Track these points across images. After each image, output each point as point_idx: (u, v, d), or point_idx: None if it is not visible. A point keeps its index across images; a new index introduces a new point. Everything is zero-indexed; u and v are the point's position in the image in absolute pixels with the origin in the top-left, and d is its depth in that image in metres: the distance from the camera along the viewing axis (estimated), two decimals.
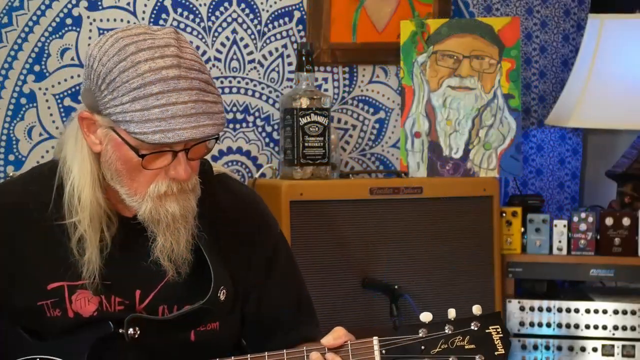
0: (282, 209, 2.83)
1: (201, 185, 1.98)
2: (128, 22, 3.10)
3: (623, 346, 3.12)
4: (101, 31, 3.08)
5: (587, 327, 3.13)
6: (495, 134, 3.22)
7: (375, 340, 1.88)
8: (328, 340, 1.91)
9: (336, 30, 3.30)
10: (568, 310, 3.14)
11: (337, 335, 1.92)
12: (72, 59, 3.06)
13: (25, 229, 1.99)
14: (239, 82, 3.25)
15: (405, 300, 2.84)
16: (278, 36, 3.28)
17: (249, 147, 3.27)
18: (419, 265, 3.02)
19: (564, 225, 3.21)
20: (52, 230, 1.97)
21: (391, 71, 3.40)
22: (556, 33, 3.63)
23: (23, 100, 3.03)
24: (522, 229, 3.23)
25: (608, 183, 3.53)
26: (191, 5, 3.17)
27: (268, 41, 3.27)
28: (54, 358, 1.98)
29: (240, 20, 3.23)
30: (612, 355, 3.12)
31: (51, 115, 3.05)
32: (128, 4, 3.11)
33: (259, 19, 3.25)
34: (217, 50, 3.21)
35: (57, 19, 3.04)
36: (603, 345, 3.12)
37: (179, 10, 3.16)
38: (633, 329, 3.11)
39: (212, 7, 3.20)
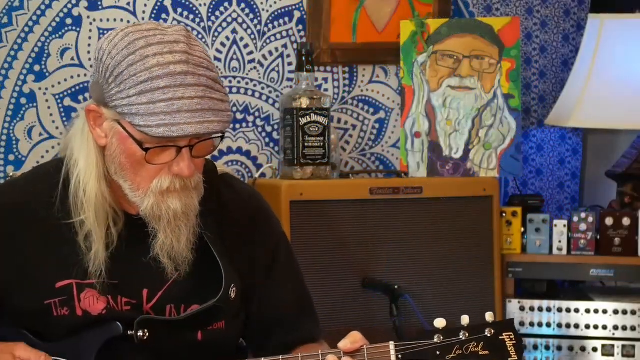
0: (282, 209, 2.83)
1: (205, 184, 1.98)
2: (128, 22, 3.10)
3: (623, 346, 3.12)
4: (101, 31, 3.08)
5: (587, 327, 3.13)
6: (495, 134, 3.23)
7: (391, 345, 1.89)
8: (345, 344, 1.91)
9: (336, 30, 3.30)
10: (568, 310, 3.14)
11: (353, 339, 1.91)
12: (72, 59, 3.06)
13: (31, 229, 1.99)
14: (239, 82, 3.25)
15: (405, 300, 2.84)
16: (278, 36, 3.28)
17: (249, 147, 3.27)
18: (419, 265, 3.02)
19: (564, 225, 3.21)
20: (59, 228, 1.97)
21: (391, 71, 3.40)
22: (556, 33, 3.63)
23: (23, 100, 3.03)
24: (522, 229, 3.23)
25: (608, 183, 3.53)
26: (191, 5, 3.17)
27: (268, 41, 3.27)
28: (61, 359, 1.98)
29: (240, 20, 3.23)
30: (612, 355, 3.12)
31: (51, 115, 3.05)
32: (128, 4, 3.11)
33: (259, 19, 3.25)
34: (217, 50, 3.21)
35: (57, 19, 3.04)
36: (603, 345, 3.12)
37: (179, 10, 3.16)
38: (633, 329, 3.11)
39: (212, 7, 3.20)
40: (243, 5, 3.23)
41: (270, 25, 3.27)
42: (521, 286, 3.28)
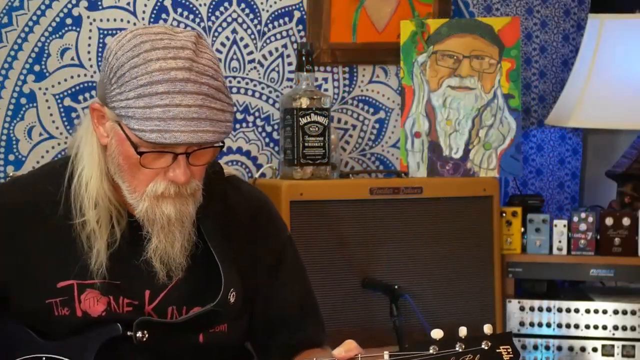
0: (282, 209, 2.83)
1: (212, 186, 1.98)
2: (128, 22, 3.10)
3: (623, 346, 3.12)
4: (101, 31, 3.08)
5: (587, 327, 3.13)
6: (495, 134, 3.23)
7: (386, 355, 1.88)
8: (339, 351, 1.90)
9: (336, 30, 3.30)
10: (568, 310, 3.15)
11: (347, 347, 1.90)
12: (72, 59, 3.06)
13: (36, 227, 1.99)
14: (239, 82, 3.25)
15: (405, 300, 2.84)
16: (278, 36, 3.28)
17: (249, 147, 3.27)
18: (419, 265, 3.02)
19: (564, 225, 3.21)
20: (62, 228, 1.97)
21: (391, 71, 3.40)
22: (556, 33, 3.63)
23: (23, 100, 3.03)
24: (522, 229, 3.23)
25: (608, 183, 3.53)
26: (191, 5, 3.17)
27: (268, 41, 3.27)
28: (61, 357, 1.98)
29: (240, 20, 3.23)
30: (612, 355, 3.12)
31: (51, 115, 3.05)
32: (128, 4, 3.11)
33: (259, 19, 3.25)
34: (217, 50, 3.21)
35: (57, 19, 3.04)
36: (603, 345, 3.12)
37: (179, 10, 3.16)
38: (633, 329, 3.11)
39: (212, 7, 3.20)
40: (243, 5, 3.23)
41: (270, 25, 3.27)
42: (521, 286, 3.28)
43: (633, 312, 3.11)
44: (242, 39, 3.24)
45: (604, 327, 3.12)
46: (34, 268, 1.98)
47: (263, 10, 3.25)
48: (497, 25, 3.24)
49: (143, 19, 3.12)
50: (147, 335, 1.93)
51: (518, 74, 3.24)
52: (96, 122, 1.93)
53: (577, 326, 3.14)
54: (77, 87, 3.07)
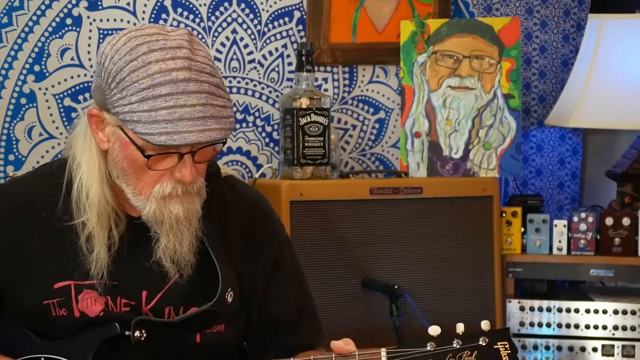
0: (282, 209, 2.83)
1: (209, 187, 1.98)
2: (128, 22, 3.10)
3: (623, 346, 3.12)
4: (101, 31, 3.08)
5: (587, 327, 3.13)
6: (495, 134, 3.23)
7: (383, 351, 1.88)
8: (338, 343, 1.91)
9: (336, 30, 3.30)
10: (568, 310, 3.14)
11: (346, 341, 1.91)
12: (72, 59, 3.06)
13: (33, 229, 1.99)
14: (239, 82, 3.25)
15: (405, 300, 2.84)
16: (278, 36, 3.28)
17: (249, 147, 3.27)
18: (419, 265, 3.02)
19: (564, 225, 3.21)
20: (61, 229, 1.97)
21: (391, 71, 3.40)
22: (556, 33, 3.63)
23: (23, 100, 3.03)
24: (522, 229, 3.23)
25: (608, 183, 3.53)
26: (191, 5, 3.17)
27: (268, 41, 3.27)
28: (59, 358, 1.98)
29: (240, 20, 3.23)
30: (612, 355, 3.12)
31: (51, 115, 3.05)
32: (128, 4, 3.11)
33: (259, 19, 3.25)
34: (217, 50, 3.21)
35: (57, 19, 3.04)
36: (603, 345, 3.12)
37: (179, 10, 3.16)
38: (633, 329, 3.11)
39: (212, 7, 3.20)
40: (243, 5, 3.23)
41: (270, 25, 3.27)
42: (521, 286, 3.28)
43: (633, 312, 3.11)
44: (242, 39, 3.24)
45: (604, 327, 3.12)
46: (31, 269, 1.98)
47: (263, 10, 3.25)
48: (497, 25, 3.24)
49: (143, 19, 3.12)
50: (144, 335, 1.93)
51: (518, 74, 3.24)
52: (95, 128, 1.93)
53: (577, 326, 3.14)
54: (77, 87, 3.07)
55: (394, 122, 3.41)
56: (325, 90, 3.33)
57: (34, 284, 1.98)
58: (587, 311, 3.13)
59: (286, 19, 3.28)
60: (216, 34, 3.21)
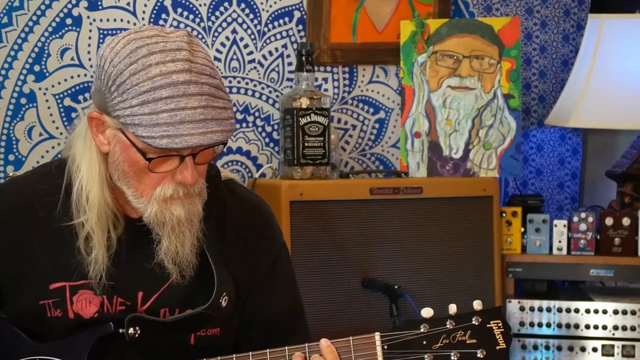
0: (282, 209, 2.83)
1: (209, 189, 1.98)
2: (128, 22, 3.11)
3: (623, 346, 3.12)
4: (101, 31, 3.08)
5: (587, 327, 3.13)
6: (495, 134, 3.23)
7: (377, 335, 1.89)
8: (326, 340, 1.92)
9: (336, 30, 3.30)
10: (568, 310, 3.14)
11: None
12: (72, 59, 3.07)
13: (32, 229, 1.99)
14: (239, 82, 3.25)
15: (405, 300, 2.84)
16: (278, 36, 3.28)
17: (249, 147, 3.27)
18: (419, 265, 3.02)
19: (564, 225, 3.21)
20: (59, 230, 1.97)
21: (391, 71, 3.40)
22: (556, 33, 3.63)
23: (23, 100, 3.03)
24: (522, 229, 3.23)
25: (608, 183, 3.53)
26: (191, 5, 3.17)
27: (268, 41, 3.27)
28: (54, 358, 1.98)
29: (240, 20, 3.23)
30: (612, 355, 3.12)
31: (51, 115, 3.05)
32: (128, 4, 3.11)
33: (259, 19, 3.25)
34: (217, 50, 3.21)
35: (57, 19, 3.04)
36: (603, 345, 3.12)
37: (179, 10, 3.16)
38: (633, 329, 3.11)
39: (212, 7, 3.20)
40: (243, 5, 3.23)
41: (270, 25, 3.27)
42: (521, 286, 3.28)
43: (633, 312, 3.11)
44: (242, 39, 3.24)
45: (604, 327, 3.12)
46: (30, 269, 1.98)
47: (263, 10, 3.25)
48: (497, 25, 3.24)
49: (143, 19, 3.12)
50: (138, 332, 1.93)
51: (518, 74, 3.24)
52: (95, 131, 1.93)
53: (577, 326, 3.14)
54: (77, 87, 3.07)
55: (394, 122, 3.41)
56: (325, 90, 3.33)
57: (30, 284, 1.98)
58: (587, 311, 3.13)
59: (286, 19, 3.28)
60: (216, 34, 3.21)
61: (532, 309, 3.16)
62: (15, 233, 1.99)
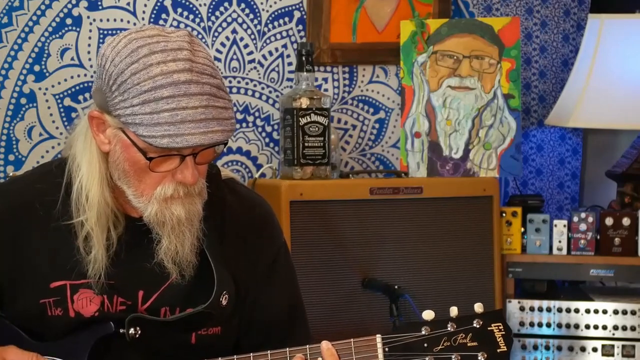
0: (282, 209, 2.83)
1: (209, 189, 1.98)
2: (128, 22, 3.11)
3: (623, 346, 3.12)
4: (101, 31, 3.08)
5: (587, 327, 3.13)
6: (495, 134, 3.23)
7: (378, 337, 1.89)
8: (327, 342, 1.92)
9: (336, 30, 3.30)
10: (568, 310, 3.14)
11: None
12: (72, 59, 3.07)
13: (31, 228, 1.99)
14: (239, 82, 3.25)
15: (405, 300, 2.84)
16: (278, 36, 3.28)
17: (249, 147, 3.27)
18: (419, 265, 3.02)
19: (564, 225, 3.21)
20: (59, 229, 1.97)
21: (391, 71, 3.40)
22: (556, 33, 3.63)
23: (23, 100, 3.03)
24: (522, 229, 3.23)
25: (608, 183, 3.53)
26: (191, 5, 3.17)
27: (268, 41, 3.27)
28: (55, 358, 1.98)
29: (240, 20, 3.23)
30: (612, 355, 3.12)
31: (51, 115, 3.05)
32: (128, 4, 3.11)
33: (259, 19, 3.25)
34: (217, 50, 3.21)
35: (57, 19, 3.04)
36: (603, 345, 3.12)
37: (179, 10, 3.16)
38: (633, 329, 3.11)
39: (212, 7, 3.20)
40: (243, 5, 3.23)
41: (270, 25, 3.27)
42: (521, 286, 3.28)
43: (633, 312, 3.11)
44: (242, 39, 3.24)
45: (604, 327, 3.12)
46: (30, 268, 1.99)
47: (263, 10, 3.25)
48: (497, 25, 3.24)
49: (143, 19, 3.12)
50: (139, 332, 1.93)
51: (518, 74, 3.24)
52: (95, 130, 1.93)
53: (577, 326, 3.14)
54: (77, 87, 3.07)
55: (394, 122, 3.41)
56: (325, 90, 3.33)
57: (30, 283, 1.98)
58: (587, 311, 3.13)
59: (286, 19, 3.28)
60: (216, 34, 3.21)
61: (532, 309, 3.16)
62: (15, 232, 1.99)
